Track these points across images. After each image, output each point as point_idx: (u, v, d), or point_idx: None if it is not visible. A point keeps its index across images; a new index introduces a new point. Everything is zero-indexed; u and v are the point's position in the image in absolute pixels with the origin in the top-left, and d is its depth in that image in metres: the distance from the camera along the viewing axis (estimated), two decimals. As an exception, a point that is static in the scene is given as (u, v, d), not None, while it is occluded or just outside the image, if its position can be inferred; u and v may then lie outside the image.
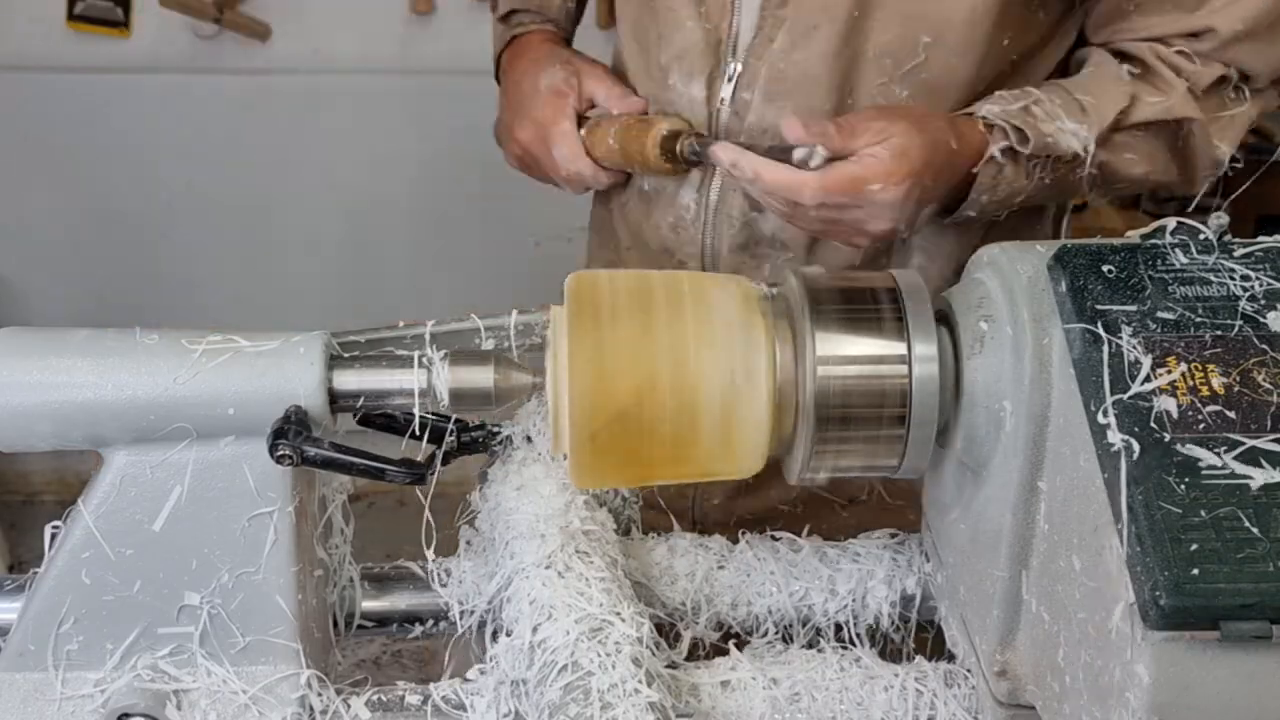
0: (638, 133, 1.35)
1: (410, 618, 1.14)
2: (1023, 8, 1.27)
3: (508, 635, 0.99)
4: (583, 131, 1.41)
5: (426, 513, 1.05)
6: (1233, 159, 1.34)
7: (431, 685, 1.02)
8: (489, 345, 1.07)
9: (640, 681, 0.90)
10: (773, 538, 1.14)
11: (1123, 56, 1.29)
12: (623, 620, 0.94)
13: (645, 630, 0.95)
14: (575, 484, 1.05)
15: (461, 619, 1.11)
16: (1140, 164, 1.28)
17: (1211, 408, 0.79)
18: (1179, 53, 1.26)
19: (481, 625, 1.09)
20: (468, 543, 1.13)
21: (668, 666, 1.00)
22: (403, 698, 1.02)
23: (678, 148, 1.32)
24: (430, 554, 1.10)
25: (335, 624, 1.12)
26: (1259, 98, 1.31)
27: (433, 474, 1.00)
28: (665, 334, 0.92)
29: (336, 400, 0.99)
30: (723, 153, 1.24)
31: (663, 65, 1.37)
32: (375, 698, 1.02)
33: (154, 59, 2.89)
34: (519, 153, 1.49)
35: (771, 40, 1.29)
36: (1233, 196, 1.35)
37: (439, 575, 1.12)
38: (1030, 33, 1.30)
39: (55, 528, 1.02)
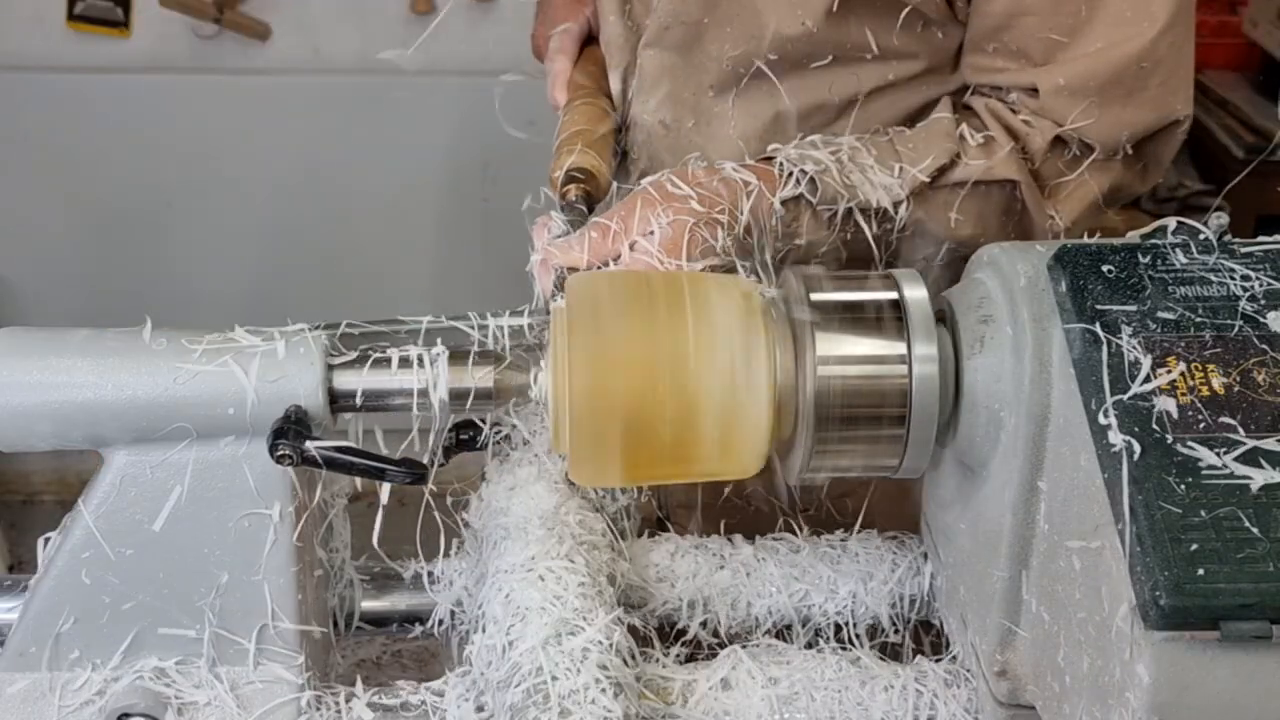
0: (564, 142, 1.33)
1: (410, 618, 1.14)
2: (873, 23, 1.24)
3: (483, 634, 0.99)
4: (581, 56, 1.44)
5: (423, 512, 1.06)
6: (1233, 158, 1.33)
7: (421, 685, 1.02)
8: (488, 345, 1.07)
9: (603, 690, 0.90)
10: (773, 539, 1.14)
11: (966, 111, 1.26)
12: (594, 627, 0.94)
13: (617, 637, 0.95)
14: (575, 481, 1.05)
15: (454, 619, 1.11)
16: (967, 225, 1.22)
17: (1211, 408, 0.79)
18: (1015, 111, 1.22)
19: (475, 625, 1.09)
20: (461, 542, 1.14)
21: (678, 661, 1.01)
22: (403, 698, 1.02)
23: (567, 191, 1.27)
24: (422, 555, 1.11)
25: (335, 624, 1.13)
26: (1103, 170, 1.24)
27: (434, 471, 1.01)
28: (665, 333, 0.92)
29: (336, 400, 0.99)
30: (536, 237, 1.19)
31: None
32: (375, 699, 1.02)
33: (154, 59, 2.89)
34: (535, 46, 1.55)
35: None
36: (1227, 189, 1.34)
37: (436, 575, 1.12)
38: (905, 51, 1.27)
39: (48, 538, 1.02)
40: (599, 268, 1.12)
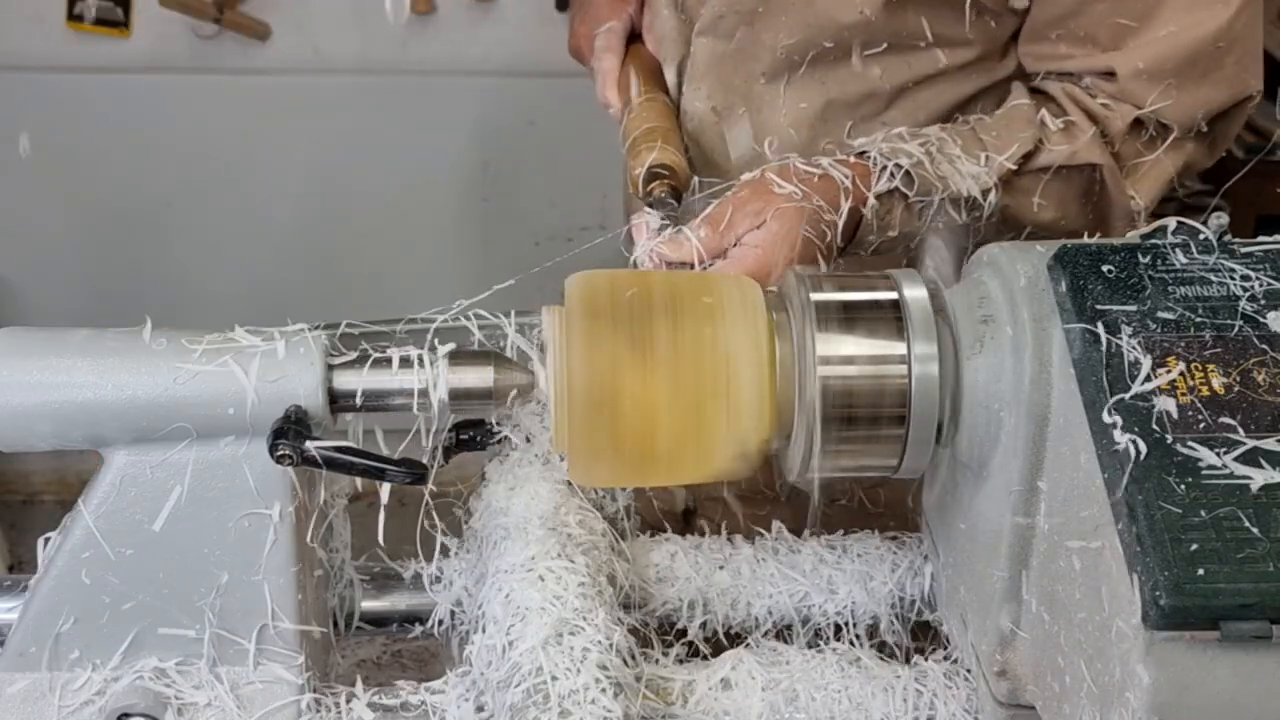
0: (639, 139, 1.33)
1: (410, 618, 1.14)
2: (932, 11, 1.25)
3: (484, 634, 0.99)
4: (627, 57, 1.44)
5: (424, 513, 1.06)
6: (1233, 158, 1.34)
7: (421, 685, 1.02)
8: (488, 345, 1.07)
9: (603, 690, 0.90)
10: (773, 539, 1.14)
11: (1041, 96, 1.27)
12: (594, 627, 0.94)
13: (617, 638, 0.95)
14: (575, 481, 1.05)
15: (454, 619, 1.11)
16: (1049, 209, 1.25)
17: (1211, 408, 0.79)
18: (1092, 95, 1.24)
19: (475, 625, 1.09)
20: (461, 542, 1.13)
21: (678, 661, 1.01)
22: (403, 698, 1.02)
23: (653, 188, 1.27)
24: (422, 555, 1.11)
25: (335, 624, 1.12)
26: (1178, 149, 1.26)
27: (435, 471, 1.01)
28: (665, 334, 0.92)
29: (336, 400, 0.99)
30: (636, 235, 1.21)
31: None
32: (375, 699, 1.02)
33: (154, 59, 2.89)
34: (574, 45, 1.53)
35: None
36: (1226, 187, 1.35)
37: (436, 575, 1.12)
38: (958, 39, 1.28)
39: (48, 538, 1.02)
40: (709, 264, 1.14)
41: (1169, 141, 1.25)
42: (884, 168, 1.18)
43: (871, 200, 1.18)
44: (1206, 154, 1.30)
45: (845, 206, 1.16)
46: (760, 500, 1.33)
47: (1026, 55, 1.30)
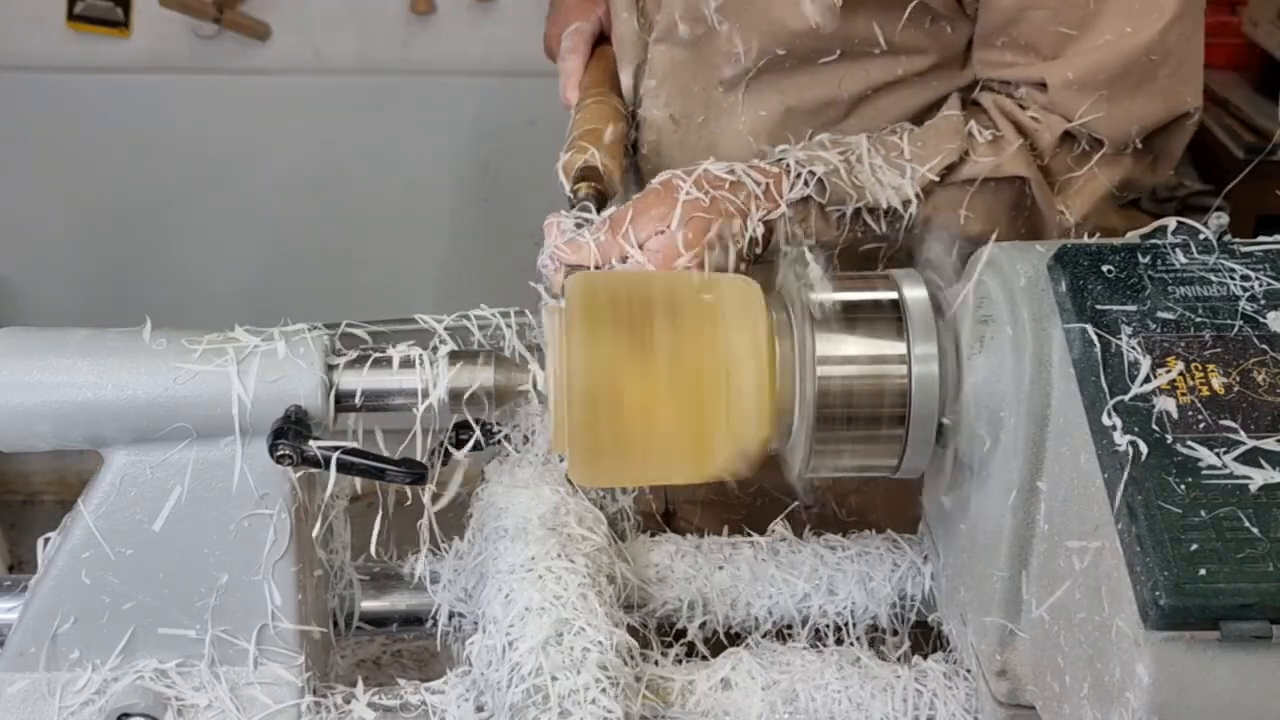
0: (576, 138, 1.32)
1: (410, 618, 1.14)
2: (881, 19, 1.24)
3: (484, 634, 0.99)
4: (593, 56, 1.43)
5: (428, 512, 1.06)
6: (1233, 158, 1.33)
7: (421, 685, 1.02)
8: (488, 345, 1.07)
9: (603, 690, 0.90)
10: (773, 539, 1.14)
11: (975, 108, 1.26)
12: (594, 627, 0.94)
13: (617, 638, 0.95)
14: (575, 481, 1.05)
15: (453, 619, 1.11)
16: (976, 222, 1.22)
17: (1211, 408, 0.79)
18: (1024, 107, 1.22)
19: (475, 625, 1.09)
20: (461, 542, 1.13)
21: (675, 662, 1.01)
22: (403, 698, 1.02)
23: (578, 189, 1.25)
24: (425, 554, 1.10)
25: (335, 624, 1.12)
26: (1113, 165, 1.23)
27: (433, 474, 1.01)
28: (665, 334, 0.92)
29: (336, 400, 0.99)
30: (547, 235, 1.18)
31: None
32: (375, 699, 1.02)
33: (154, 59, 2.89)
34: (547, 45, 1.53)
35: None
36: (1228, 189, 1.34)
37: (436, 575, 1.12)
38: (914, 47, 1.27)
39: (48, 538, 1.02)
40: (608, 268, 1.11)
41: (1100, 156, 1.22)
42: (798, 175, 1.16)
43: (782, 208, 1.16)
44: (1148, 171, 1.27)
45: (756, 215, 1.15)
46: (736, 505, 1.33)
47: (978, 62, 1.27)
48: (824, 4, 1.21)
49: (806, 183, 1.16)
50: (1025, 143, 1.21)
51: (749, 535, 1.15)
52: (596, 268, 1.11)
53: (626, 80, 1.39)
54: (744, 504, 1.31)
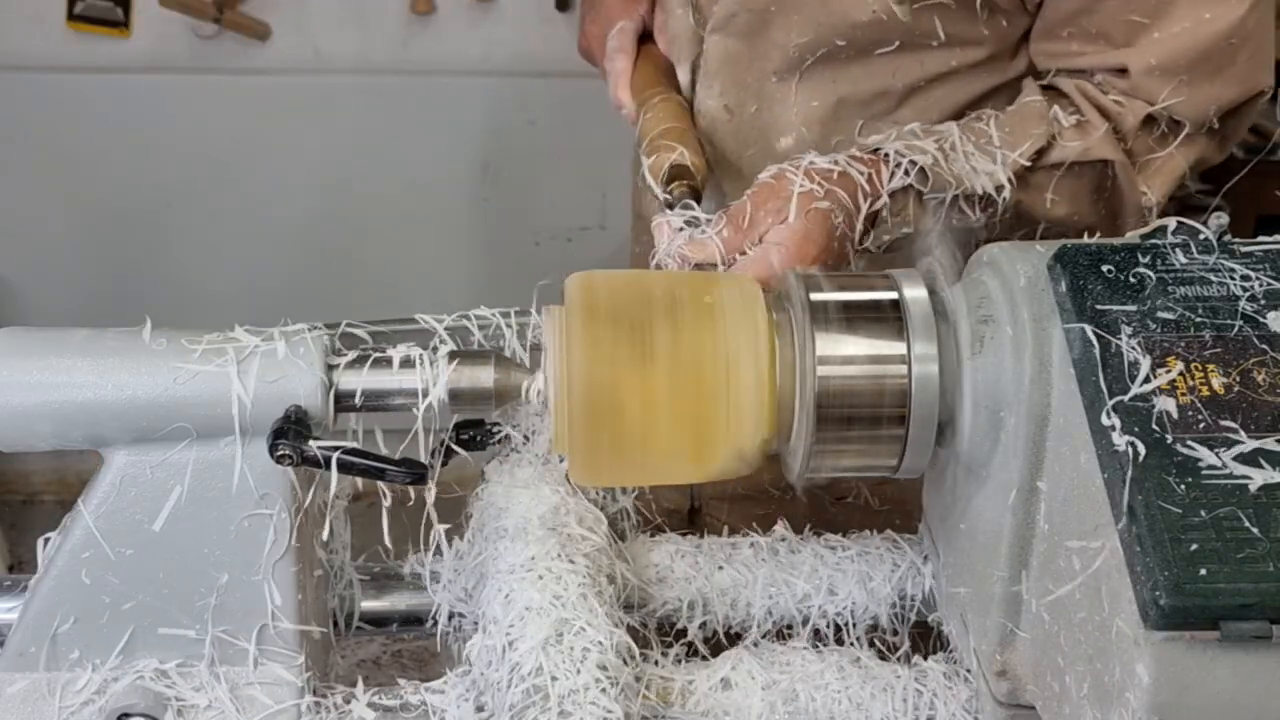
0: (656, 139, 1.32)
1: (410, 618, 1.14)
2: (946, 13, 1.26)
3: (484, 634, 0.99)
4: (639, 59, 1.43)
5: (429, 510, 1.05)
6: (1233, 158, 1.34)
7: (421, 685, 1.02)
8: (488, 345, 1.07)
9: (603, 690, 0.90)
10: (773, 539, 1.14)
11: (1053, 93, 1.28)
12: (594, 627, 0.94)
13: (617, 638, 0.95)
14: (575, 481, 1.05)
15: (453, 620, 1.11)
16: (1062, 205, 1.25)
17: (1211, 408, 0.79)
18: (1104, 92, 1.24)
19: (475, 625, 1.09)
20: (461, 542, 1.13)
21: (671, 664, 1.00)
22: (403, 698, 1.02)
23: (673, 189, 1.27)
24: (428, 555, 1.10)
25: (335, 624, 1.12)
26: (1190, 145, 1.26)
27: (433, 474, 1.00)
28: (665, 334, 0.92)
29: (336, 400, 0.99)
30: (658, 236, 1.19)
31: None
32: (375, 699, 1.02)
33: (154, 59, 2.89)
34: (584, 45, 1.53)
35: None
36: (1226, 187, 1.35)
37: (436, 575, 1.12)
38: (970, 38, 1.29)
39: (48, 538, 1.02)
40: (732, 263, 1.13)
41: (1181, 137, 1.25)
42: (899, 165, 1.18)
43: (885, 198, 1.18)
44: (1217, 149, 1.30)
45: (865, 205, 1.17)
46: (765, 499, 1.33)
47: (1039, 53, 1.30)
48: None
49: (908, 172, 1.18)
50: (1110, 126, 1.23)
51: (775, 531, 1.15)
52: (727, 265, 1.13)
53: (684, 76, 1.40)
54: (774, 499, 1.32)
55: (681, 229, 1.16)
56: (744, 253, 1.13)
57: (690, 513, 1.47)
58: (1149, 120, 1.24)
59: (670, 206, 1.22)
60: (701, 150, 1.30)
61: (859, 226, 1.17)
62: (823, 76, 1.31)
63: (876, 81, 1.30)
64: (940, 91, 1.31)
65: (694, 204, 1.22)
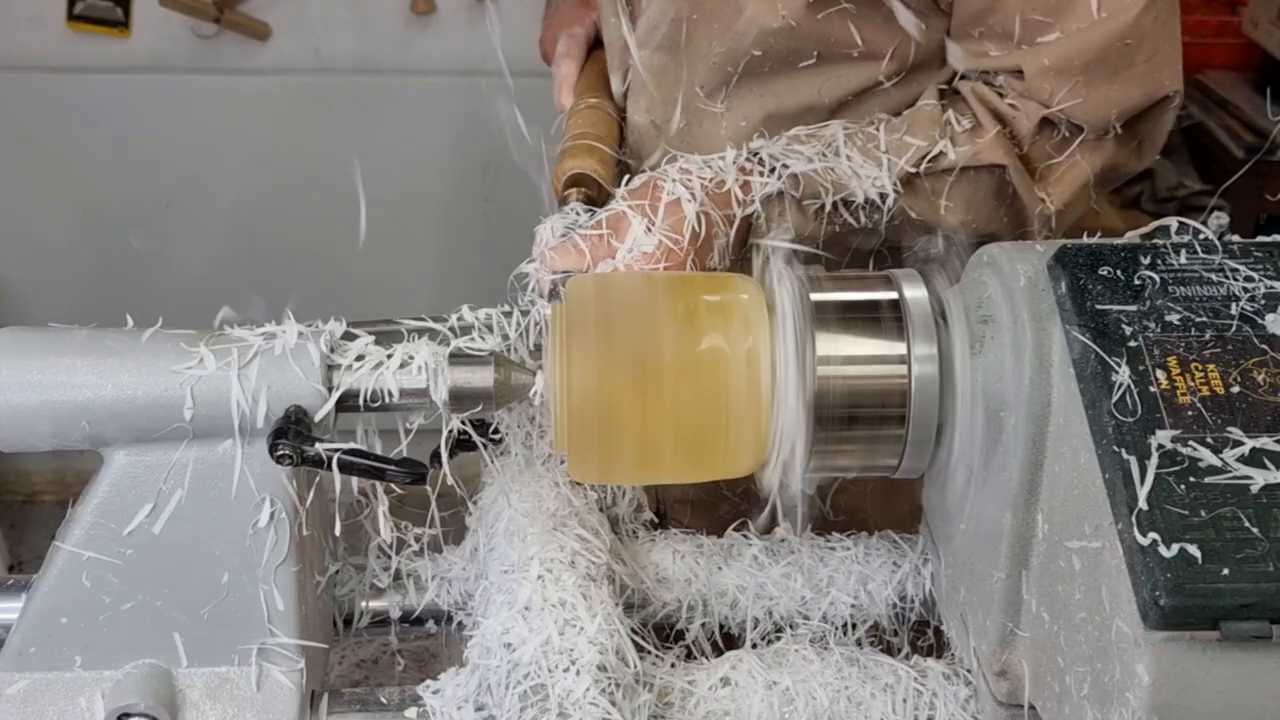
0: (567, 146, 1.32)
1: (410, 618, 1.14)
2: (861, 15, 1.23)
3: (484, 634, 0.99)
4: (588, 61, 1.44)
5: (431, 512, 1.06)
6: (1233, 158, 1.32)
7: (417, 687, 1.02)
8: (489, 345, 1.07)
9: (602, 691, 0.90)
10: (773, 540, 1.14)
11: (953, 97, 1.25)
12: (594, 627, 0.94)
13: (617, 639, 0.95)
14: (575, 481, 1.05)
15: (453, 620, 1.11)
16: (956, 211, 1.22)
17: (1211, 408, 0.79)
18: (1002, 95, 1.21)
19: (475, 625, 1.09)
20: (461, 542, 1.13)
21: (671, 665, 1.00)
22: (399, 698, 1.02)
23: (568, 196, 1.27)
24: (428, 555, 1.10)
25: (335, 624, 1.13)
26: (1095, 151, 1.22)
27: (434, 474, 1.01)
28: (665, 333, 0.92)
29: (337, 400, 0.99)
30: (536, 239, 1.19)
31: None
32: (375, 699, 1.02)
33: (154, 59, 2.89)
34: (542, 49, 1.54)
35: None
36: (1225, 187, 1.34)
37: (437, 575, 1.12)
38: (890, 47, 1.26)
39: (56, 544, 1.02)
40: (596, 270, 1.11)
41: (1080, 142, 1.21)
42: (771, 169, 1.16)
43: (755, 204, 1.16)
44: (1133, 156, 1.26)
45: (738, 210, 1.15)
46: (722, 501, 1.33)
47: (954, 54, 1.26)
48: (795, 1, 1.21)
49: (780, 176, 1.16)
50: (1003, 130, 1.20)
51: (776, 533, 1.14)
52: (587, 269, 1.11)
53: (617, 86, 1.39)
54: (731, 503, 1.31)
55: (564, 235, 1.15)
56: (612, 258, 1.11)
57: (658, 515, 1.46)
58: (1047, 124, 1.21)
59: (563, 215, 1.21)
60: (611, 162, 1.29)
61: (732, 230, 1.15)
62: (750, 92, 1.29)
63: (802, 96, 1.28)
64: (870, 104, 1.28)
65: (581, 211, 1.20)
